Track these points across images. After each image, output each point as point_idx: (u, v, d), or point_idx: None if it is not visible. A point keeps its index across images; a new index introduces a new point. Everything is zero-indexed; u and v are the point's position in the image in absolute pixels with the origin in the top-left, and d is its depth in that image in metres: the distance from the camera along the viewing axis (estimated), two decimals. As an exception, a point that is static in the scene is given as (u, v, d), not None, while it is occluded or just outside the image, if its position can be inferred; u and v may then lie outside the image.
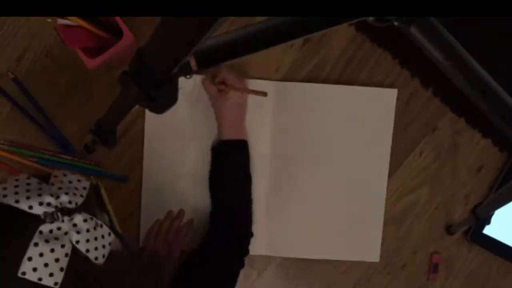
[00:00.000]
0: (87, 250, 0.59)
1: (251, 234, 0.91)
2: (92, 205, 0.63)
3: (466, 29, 0.76)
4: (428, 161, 0.98)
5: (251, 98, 0.93)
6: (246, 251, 0.90)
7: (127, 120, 0.94)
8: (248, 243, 0.90)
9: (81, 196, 0.62)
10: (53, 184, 0.61)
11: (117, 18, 0.83)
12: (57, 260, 0.56)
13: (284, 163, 0.96)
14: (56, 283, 0.55)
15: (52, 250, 0.55)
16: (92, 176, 0.80)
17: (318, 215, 0.97)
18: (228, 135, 0.91)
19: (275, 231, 0.96)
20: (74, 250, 0.57)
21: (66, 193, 0.59)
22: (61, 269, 0.56)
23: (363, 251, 0.98)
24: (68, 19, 0.81)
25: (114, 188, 0.95)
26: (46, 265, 0.55)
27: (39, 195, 0.58)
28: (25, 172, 0.63)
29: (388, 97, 0.96)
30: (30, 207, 0.56)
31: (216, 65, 0.62)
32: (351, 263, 0.98)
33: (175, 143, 0.96)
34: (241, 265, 0.89)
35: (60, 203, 0.58)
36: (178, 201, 0.96)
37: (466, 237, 0.98)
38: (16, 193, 0.57)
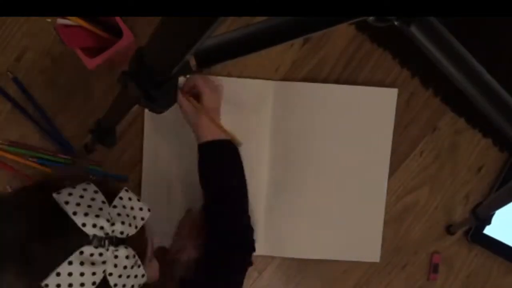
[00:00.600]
0: (115, 285, 0.57)
1: (252, 229, 0.86)
2: (141, 233, 0.62)
3: (466, 29, 0.76)
4: (428, 161, 0.98)
5: (251, 97, 0.93)
6: (250, 248, 0.85)
7: (127, 120, 0.94)
8: (251, 240, 0.85)
9: (135, 227, 0.60)
10: (115, 207, 0.59)
11: (117, 18, 0.83)
12: (82, 284, 0.54)
13: (283, 163, 0.96)
14: None
15: (82, 274, 0.54)
16: (92, 176, 0.80)
17: (318, 215, 0.97)
18: (205, 138, 0.85)
19: (275, 231, 0.96)
20: (104, 279, 0.56)
21: (123, 223, 0.58)
22: None
23: (363, 251, 0.98)
24: (68, 19, 0.81)
25: (114, 188, 0.95)
26: (70, 285, 0.54)
27: (97, 215, 0.56)
28: (93, 180, 0.62)
29: (388, 97, 0.96)
30: (83, 225, 0.55)
31: (216, 65, 0.62)
32: (351, 263, 0.98)
33: (175, 142, 0.95)
34: (248, 263, 0.84)
35: (113, 231, 0.57)
36: (178, 201, 0.96)
37: (467, 237, 0.98)
38: (78, 204, 0.56)
